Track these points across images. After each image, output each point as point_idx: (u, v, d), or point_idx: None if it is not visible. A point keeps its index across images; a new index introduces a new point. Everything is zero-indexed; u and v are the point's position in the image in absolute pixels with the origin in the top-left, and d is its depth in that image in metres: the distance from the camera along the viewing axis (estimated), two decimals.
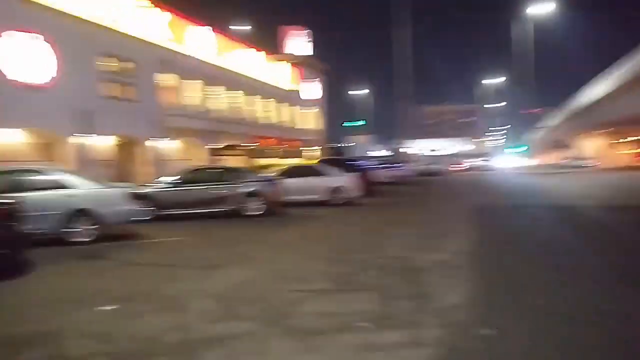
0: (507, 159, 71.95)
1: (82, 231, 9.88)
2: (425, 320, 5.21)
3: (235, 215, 14.19)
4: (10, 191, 9.28)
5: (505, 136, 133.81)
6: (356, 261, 8.33)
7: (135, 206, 10.45)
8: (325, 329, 5.08)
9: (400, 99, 37.99)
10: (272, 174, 17.56)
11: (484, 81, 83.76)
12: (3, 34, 15.68)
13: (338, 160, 23.64)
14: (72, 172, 10.26)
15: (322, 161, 23.12)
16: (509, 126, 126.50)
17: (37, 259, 8.36)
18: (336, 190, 17.52)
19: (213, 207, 14.02)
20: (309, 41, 40.99)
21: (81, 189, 9.94)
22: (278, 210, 15.21)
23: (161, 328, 5.08)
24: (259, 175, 15.89)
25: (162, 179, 14.37)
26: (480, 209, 16.50)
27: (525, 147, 78.30)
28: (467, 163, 60.57)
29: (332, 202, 17.42)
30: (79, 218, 9.86)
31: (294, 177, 17.30)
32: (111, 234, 10.68)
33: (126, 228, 11.10)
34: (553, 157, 56.03)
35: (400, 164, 32.66)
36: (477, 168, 59.73)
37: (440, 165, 47.67)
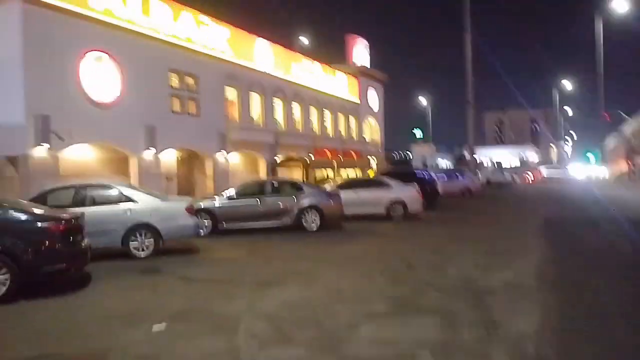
0: (579, 167, 68.06)
1: (141, 245, 10.00)
2: (492, 352, 4.70)
3: (293, 229, 14.02)
4: (73, 205, 9.60)
5: (573, 143, 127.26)
6: (417, 281, 7.86)
7: (193, 220, 10.47)
8: (383, 358, 4.69)
9: (466, 105, 36.74)
10: (331, 187, 17.29)
11: (553, 86, 79.85)
12: (87, 54, 16.46)
13: (399, 172, 23.10)
14: (133, 187, 10.43)
15: (382, 173, 22.68)
16: (576, 133, 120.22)
17: (96, 273, 8.48)
18: (396, 203, 16.99)
19: (271, 220, 13.92)
20: (365, 51, 40.70)
21: (141, 203, 10.06)
22: (337, 224, 14.91)
23: (209, 352, 4.88)
24: (318, 188, 15.66)
25: (224, 192, 14.44)
26: (552, 223, 15.46)
27: (597, 156, 73.92)
28: (535, 172, 57.77)
29: (393, 216, 16.90)
30: (139, 232, 9.98)
31: (353, 189, 16.94)
32: (170, 248, 10.78)
33: (185, 242, 11.18)
34: (627, 166, 52.28)
35: (464, 175, 31.44)
36: (547, 177, 56.84)
37: (508, 175, 45.57)
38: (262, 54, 26.57)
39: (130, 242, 9.93)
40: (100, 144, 17.69)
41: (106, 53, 17.31)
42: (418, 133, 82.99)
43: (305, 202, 14.13)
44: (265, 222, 13.88)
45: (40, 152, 15.16)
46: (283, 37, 29.08)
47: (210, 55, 22.65)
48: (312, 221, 14.08)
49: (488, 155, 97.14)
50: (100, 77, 17.13)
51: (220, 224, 13.64)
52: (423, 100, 64.01)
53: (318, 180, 26.61)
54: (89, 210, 9.62)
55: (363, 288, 7.60)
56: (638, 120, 55.33)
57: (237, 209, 13.79)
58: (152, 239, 10.05)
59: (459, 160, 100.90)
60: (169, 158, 21.15)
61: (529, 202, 25.22)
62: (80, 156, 17.40)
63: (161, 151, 19.83)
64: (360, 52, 40.38)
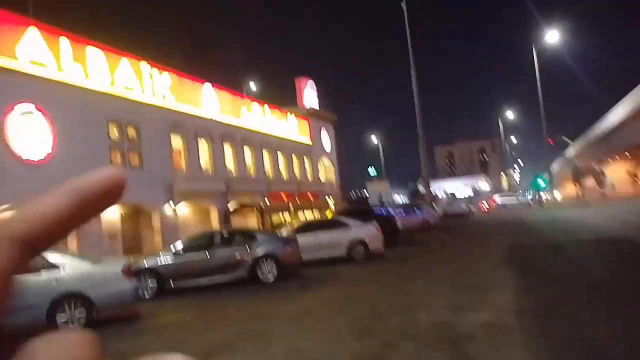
0: (529, 194, 69.76)
1: (70, 318, 8.69)
2: None
3: (249, 282, 12.92)
4: None
5: (521, 170, 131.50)
6: (388, 332, 6.96)
7: (131, 284, 9.27)
8: None
9: (418, 140, 36.96)
10: (288, 232, 16.34)
11: (498, 116, 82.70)
12: (15, 108, 15.19)
13: (356, 211, 22.40)
14: (58, 250, 9.16)
15: (339, 213, 21.94)
16: (524, 160, 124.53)
17: None
18: (357, 243, 16.21)
19: (223, 275, 12.79)
20: (313, 92, 40.73)
21: (68, 269, 8.81)
22: (295, 272, 13.92)
23: None
24: (272, 235, 14.70)
25: (169, 248, 13.25)
26: (515, 251, 14.98)
27: (545, 181, 76.30)
28: (490, 201, 58.64)
29: (354, 257, 16.08)
30: (67, 304, 8.69)
31: (311, 232, 16.05)
32: (107, 318, 9.50)
33: (127, 308, 9.88)
34: (575, 188, 53.95)
35: (422, 208, 31.18)
36: (501, 205, 57.83)
37: (464, 206, 45.88)
38: (209, 100, 25.82)
39: (57, 317, 8.61)
40: None
41: (34, 105, 16.09)
42: (372, 171, 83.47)
43: (260, 251, 13.12)
44: (217, 277, 12.74)
45: None
46: (231, 82, 28.51)
47: (153, 104, 21.71)
48: (269, 271, 13.04)
49: (442, 188, 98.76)
50: (30, 133, 15.84)
51: (167, 284, 12.40)
52: (374, 139, 64.45)
53: (275, 226, 25.58)
54: None
55: (326, 347, 6.64)
56: (580, 144, 57.52)
57: (184, 266, 12.61)
58: (83, 311, 8.77)
59: (414, 195, 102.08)
60: (112, 215, 19.73)
61: (489, 232, 24.97)
62: None
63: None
64: (310, 94, 40.35)
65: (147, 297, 12.07)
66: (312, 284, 12.38)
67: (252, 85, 39.28)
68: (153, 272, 12.31)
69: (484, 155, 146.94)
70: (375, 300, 9.41)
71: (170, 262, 12.56)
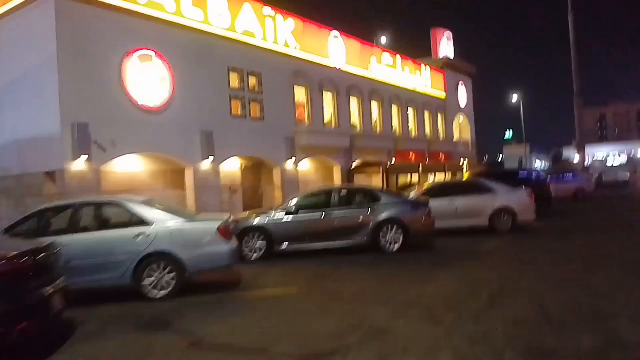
0: None
1: (158, 281, 7.42)
2: None
3: (369, 249, 10.97)
4: (67, 231, 7.27)
5: None
6: (570, 347, 4.52)
7: (229, 246, 7.73)
8: None
9: (572, 100, 31.83)
10: (417, 194, 14.00)
11: None
12: (134, 54, 14.60)
13: (499, 174, 19.25)
14: (150, 202, 7.90)
15: (478, 175, 18.95)
16: None
17: (82, 328, 5.98)
18: (502, 211, 13.41)
19: (340, 240, 10.95)
20: (450, 43, 36.85)
21: (158, 225, 7.49)
22: (426, 243, 11.65)
23: None
24: (400, 196, 12.46)
25: (283, 205, 11.69)
26: None
27: None
28: None
29: (498, 228, 13.35)
30: (155, 264, 7.41)
31: (445, 196, 13.54)
32: (203, 281, 8.16)
33: (224, 271, 8.47)
34: None
35: (575, 175, 26.69)
36: None
37: (623, 174, 39.28)
38: (336, 49, 23.79)
39: (144, 279, 7.38)
40: (150, 154, 15.68)
41: (154, 51, 15.31)
42: (508, 133, 76.66)
43: (383, 215, 11.01)
44: (332, 242, 10.94)
45: (79, 165, 13.30)
46: (360, 32, 26.17)
47: (276, 51, 20.22)
48: (393, 240, 10.93)
49: (592, 154, 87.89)
50: (147, 79, 15.16)
51: (278, 245, 10.88)
52: (514, 98, 57.98)
53: (402, 187, 23.24)
54: (85, 237, 7.27)
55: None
56: None
57: (297, 226, 10.96)
58: (172, 273, 7.44)
59: (556, 161, 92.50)
60: (232, 167, 18.90)
61: None
62: (128, 169, 15.51)
63: (222, 161, 17.58)
64: (446, 46, 36.49)
65: (253, 258, 10.69)
66: (447, 260, 10.03)
67: (383, 39, 36.47)
68: (262, 231, 10.85)
69: None
70: (538, 292, 6.85)
71: (282, 221, 10.98)
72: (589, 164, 61.32)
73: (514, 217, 13.40)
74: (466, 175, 20.13)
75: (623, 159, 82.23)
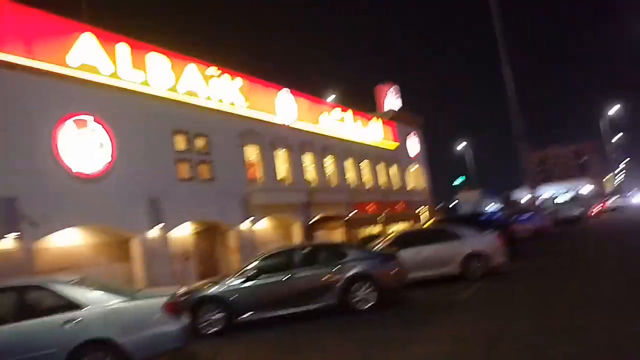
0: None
1: None
2: None
3: (338, 311, 9.96)
4: None
5: (624, 171, 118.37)
6: None
7: (178, 325, 6.60)
8: None
9: (515, 144, 32.56)
10: (380, 246, 13.23)
11: (596, 114, 74.51)
12: (67, 122, 13.52)
13: (461, 219, 18.84)
14: (82, 281, 6.73)
15: (441, 222, 18.51)
16: (628, 159, 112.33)
17: None
18: (473, 257, 12.75)
19: (306, 303, 9.90)
20: (397, 97, 37.63)
21: (92, 308, 6.31)
22: (397, 297, 10.77)
23: None
24: (366, 250, 11.63)
25: (238, 271, 10.57)
26: None
27: None
28: (601, 205, 51.77)
29: (469, 275, 12.64)
30: (90, 354, 6.17)
31: (411, 246, 12.81)
32: None
33: (173, 353, 7.24)
34: None
35: (533, 215, 26.84)
36: (617, 208, 51.05)
37: (579, 210, 39.93)
38: (285, 107, 23.46)
39: None
40: (90, 226, 14.34)
41: (91, 116, 14.32)
42: (459, 180, 78.52)
43: (352, 271, 10.09)
44: (298, 307, 9.87)
45: (6, 244, 11.84)
46: (306, 88, 26.03)
47: (223, 111, 19.60)
48: (364, 298, 9.99)
49: (539, 194, 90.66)
50: (84, 146, 14.06)
51: (237, 316, 9.70)
52: (461, 145, 59.26)
53: (363, 240, 22.48)
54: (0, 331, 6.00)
55: None
56: None
57: (258, 292, 9.85)
58: None
59: (507, 203, 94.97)
60: (183, 234, 17.65)
61: (610, 237, 20.55)
62: (67, 243, 14.04)
63: (172, 227, 16.36)
64: (393, 100, 37.27)
65: (211, 332, 9.46)
66: (425, 314, 9.17)
67: (331, 96, 36.82)
68: (219, 301, 9.67)
69: (583, 159, 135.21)
70: (538, 345, 6.06)
71: (241, 288, 9.86)
72: (540, 203, 62.97)
73: (486, 262, 12.77)
74: (428, 223, 19.68)
75: (570, 195, 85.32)
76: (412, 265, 11.94)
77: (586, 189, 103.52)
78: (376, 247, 13.27)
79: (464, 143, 55.86)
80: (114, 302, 6.46)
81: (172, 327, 6.52)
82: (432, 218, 26.03)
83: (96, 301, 6.40)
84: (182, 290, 10.16)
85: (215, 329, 9.48)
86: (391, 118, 34.98)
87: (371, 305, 9.96)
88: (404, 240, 13.38)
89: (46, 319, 6.25)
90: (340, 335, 8.37)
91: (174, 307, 6.63)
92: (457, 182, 79.83)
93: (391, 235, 14.45)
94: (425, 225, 18.30)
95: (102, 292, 6.58)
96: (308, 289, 9.92)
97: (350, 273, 10.04)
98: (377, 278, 10.10)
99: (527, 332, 6.91)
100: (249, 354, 7.89)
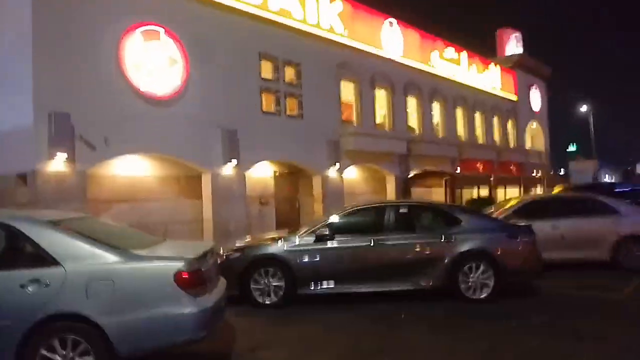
0: None
1: None
2: None
3: (440, 294, 7.26)
4: None
5: None
6: None
7: (193, 307, 4.23)
8: None
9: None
10: (499, 214, 10.11)
11: None
12: (136, 31, 11.65)
13: (592, 188, 14.98)
14: (65, 223, 4.56)
15: (572, 190, 14.83)
16: None
17: None
18: (631, 241, 9.32)
19: (396, 281, 7.27)
20: (519, 45, 32.60)
21: (66, 267, 4.12)
22: (526, 285, 7.79)
23: None
24: (486, 217, 8.58)
25: (310, 227, 8.03)
26: None
27: None
28: None
29: (624, 264, 9.28)
30: (53, 339, 4.04)
31: (544, 218, 9.57)
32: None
33: (185, 346, 4.97)
34: None
35: None
36: None
37: None
38: (391, 39, 20.21)
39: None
40: (157, 155, 12.57)
41: (163, 27, 12.26)
42: (573, 147, 70.60)
43: (465, 245, 7.23)
44: (384, 283, 7.28)
45: (56, 165, 10.29)
46: (416, 22, 22.37)
47: (319, 37, 16.85)
48: (479, 284, 7.16)
49: None
50: (153, 61, 12.10)
51: (302, 286, 7.31)
52: (584, 108, 51.28)
53: (468, 203, 19.20)
54: None
55: None
56: None
57: (333, 258, 7.36)
58: (89, 357, 4.03)
59: (627, 177, 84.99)
60: (262, 174, 15.57)
61: None
62: (130, 172, 12.42)
63: (250, 166, 14.30)
64: (515, 48, 32.29)
65: (267, 302, 7.18)
66: (568, 318, 6.19)
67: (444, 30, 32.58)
68: (281, 264, 7.31)
69: None
70: None
71: (311, 250, 7.40)
72: None
73: None
74: (556, 190, 15.96)
75: None
76: (545, 243, 8.76)
77: None
78: (493, 214, 10.19)
79: (587, 106, 47.81)
80: (106, 259, 4.21)
81: (186, 309, 4.18)
82: (553, 186, 21.92)
83: (79, 256, 4.19)
84: (239, 244, 7.97)
85: (271, 300, 7.18)
86: (514, 65, 30.18)
87: (488, 295, 7.13)
88: (534, 208, 10.13)
89: (4, 273, 4.15)
90: (441, 337, 5.69)
91: (192, 279, 4.27)
92: (570, 149, 71.97)
93: (513, 201, 11.17)
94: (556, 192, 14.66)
95: (93, 242, 4.34)
96: (401, 262, 7.26)
97: (465, 248, 7.19)
98: (501, 258, 7.18)
99: None
100: (307, 347, 5.48)
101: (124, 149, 11.52)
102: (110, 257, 4.23)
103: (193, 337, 4.28)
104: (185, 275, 4.21)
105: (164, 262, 4.31)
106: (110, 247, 4.34)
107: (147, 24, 11.96)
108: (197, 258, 4.49)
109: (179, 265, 4.25)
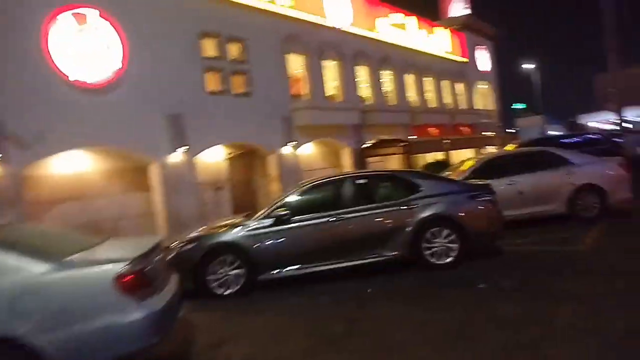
0: None
1: None
2: None
3: (403, 264, 7.10)
4: None
5: None
6: None
7: (141, 312, 3.84)
8: None
9: (586, 69, 27.19)
10: (455, 176, 10.03)
11: None
12: (62, 15, 10.74)
13: (546, 142, 15.18)
14: None
15: (523, 146, 15.01)
16: None
17: None
18: (584, 191, 9.43)
19: (360, 255, 7.06)
20: (466, 6, 32.67)
21: None
22: (489, 247, 7.72)
23: None
24: (444, 180, 8.42)
25: (266, 209, 7.65)
26: None
27: None
28: None
29: (580, 214, 9.40)
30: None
31: (501, 177, 9.54)
32: None
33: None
34: None
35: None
36: None
37: None
38: (336, 8, 19.69)
39: None
40: (98, 148, 11.83)
41: (97, 9, 11.40)
42: (519, 105, 72.37)
43: (427, 211, 7.06)
44: (349, 259, 7.05)
45: None
46: None
47: (263, 10, 16.18)
48: (444, 248, 7.03)
49: (609, 120, 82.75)
50: (86, 47, 11.27)
51: (264, 272, 6.99)
52: (530, 65, 51.97)
53: (427, 169, 19.21)
54: None
55: None
56: None
57: (292, 240, 7.05)
58: None
59: (573, 130, 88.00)
60: (214, 158, 15.01)
61: None
62: (71, 169, 11.65)
63: (200, 151, 13.72)
64: (459, 9, 32.33)
65: (226, 293, 6.83)
66: (533, 276, 6.14)
67: None
68: (238, 250, 6.95)
69: None
70: None
71: (268, 232, 7.05)
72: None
73: (603, 198, 9.41)
74: (509, 148, 16.11)
75: None
76: (503, 202, 8.73)
77: None
78: (451, 176, 10.10)
79: (531, 65, 48.40)
80: (32, 270, 3.74)
81: (132, 315, 3.78)
82: (506, 144, 22.21)
83: (2, 271, 3.70)
84: (193, 234, 7.54)
85: (230, 290, 6.82)
86: (461, 26, 30.21)
87: (453, 260, 7.01)
88: (489, 167, 10.07)
89: None
90: (411, 308, 5.52)
91: (136, 282, 3.86)
92: (516, 106, 73.67)
93: (469, 163, 11.11)
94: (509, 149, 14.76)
95: (19, 252, 3.86)
96: (365, 234, 7.02)
97: (427, 213, 7.02)
98: (463, 221, 7.05)
99: None
100: (273, 336, 5.19)
101: (61, 145, 10.78)
102: (37, 268, 3.77)
103: (147, 344, 3.89)
104: (126, 279, 3.80)
105: (100, 267, 3.87)
106: (39, 256, 3.86)
107: (77, 6, 11.10)
108: (140, 257, 4.07)
109: (117, 268, 3.83)
